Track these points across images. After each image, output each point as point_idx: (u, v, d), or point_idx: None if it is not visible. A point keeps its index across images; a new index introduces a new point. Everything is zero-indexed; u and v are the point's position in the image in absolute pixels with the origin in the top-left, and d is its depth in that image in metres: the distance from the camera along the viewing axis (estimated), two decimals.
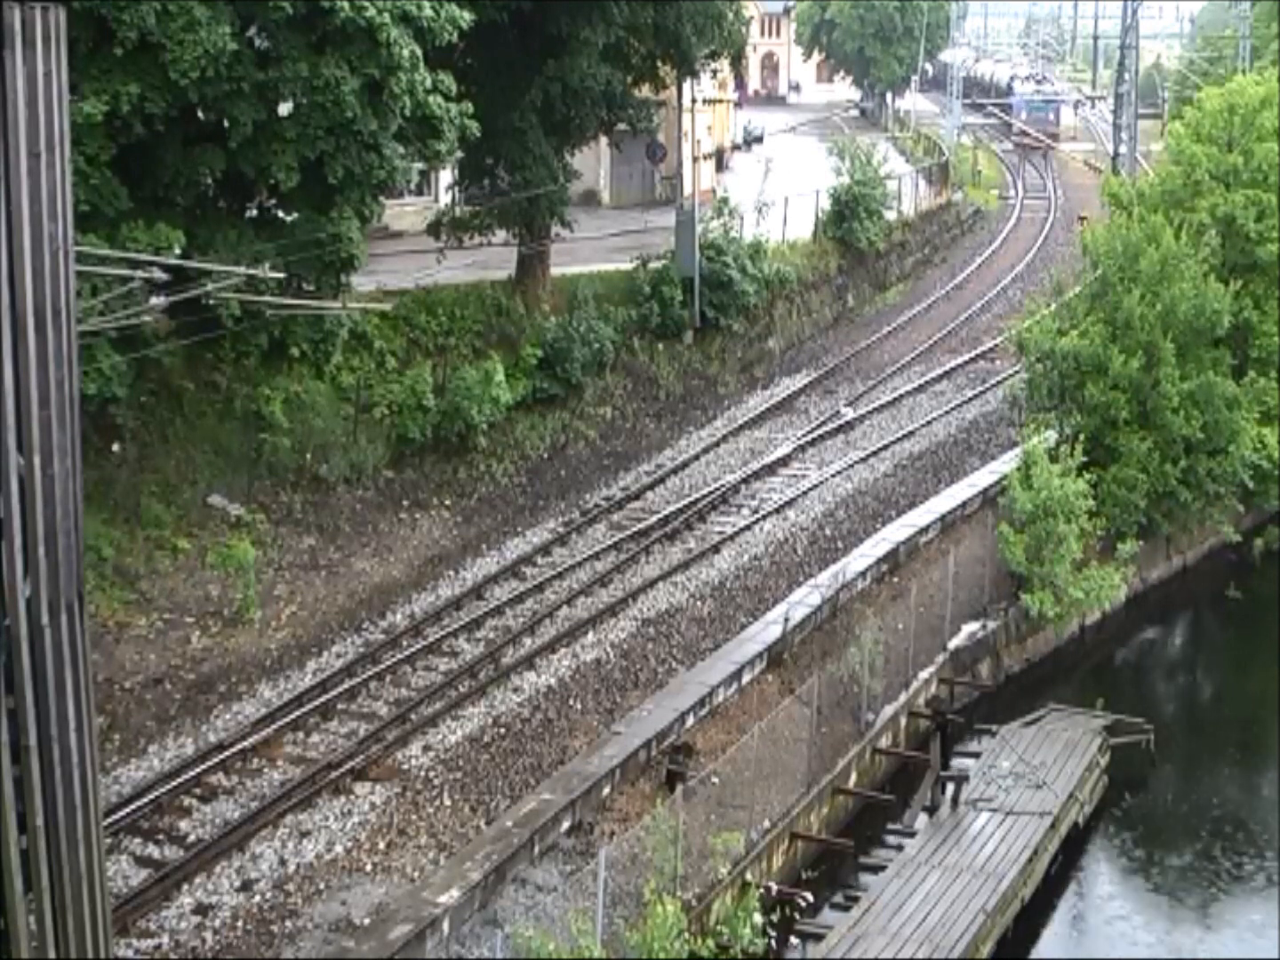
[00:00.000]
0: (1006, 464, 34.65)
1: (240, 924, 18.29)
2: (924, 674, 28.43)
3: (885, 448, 38.16)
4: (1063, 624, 32.22)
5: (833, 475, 35.90)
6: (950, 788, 24.98)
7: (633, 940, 18.30)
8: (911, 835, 24.22)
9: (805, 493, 34.58)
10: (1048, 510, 30.73)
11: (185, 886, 18.91)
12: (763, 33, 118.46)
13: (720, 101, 67.99)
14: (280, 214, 29.07)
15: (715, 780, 22.52)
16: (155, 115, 24.83)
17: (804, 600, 28.32)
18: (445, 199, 44.82)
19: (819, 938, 20.98)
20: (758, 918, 20.19)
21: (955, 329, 50.78)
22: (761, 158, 59.75)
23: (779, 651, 26.72)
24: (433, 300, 35.39)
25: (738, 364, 45.00)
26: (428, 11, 26.54)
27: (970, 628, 30.55)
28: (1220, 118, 39.61)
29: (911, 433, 39.50)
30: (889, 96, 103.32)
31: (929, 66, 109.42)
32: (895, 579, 30.88)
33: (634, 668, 25.80)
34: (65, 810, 9.60)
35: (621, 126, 40.71)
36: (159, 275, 15.93)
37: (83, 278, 19.26)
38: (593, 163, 53.22)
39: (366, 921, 18.38)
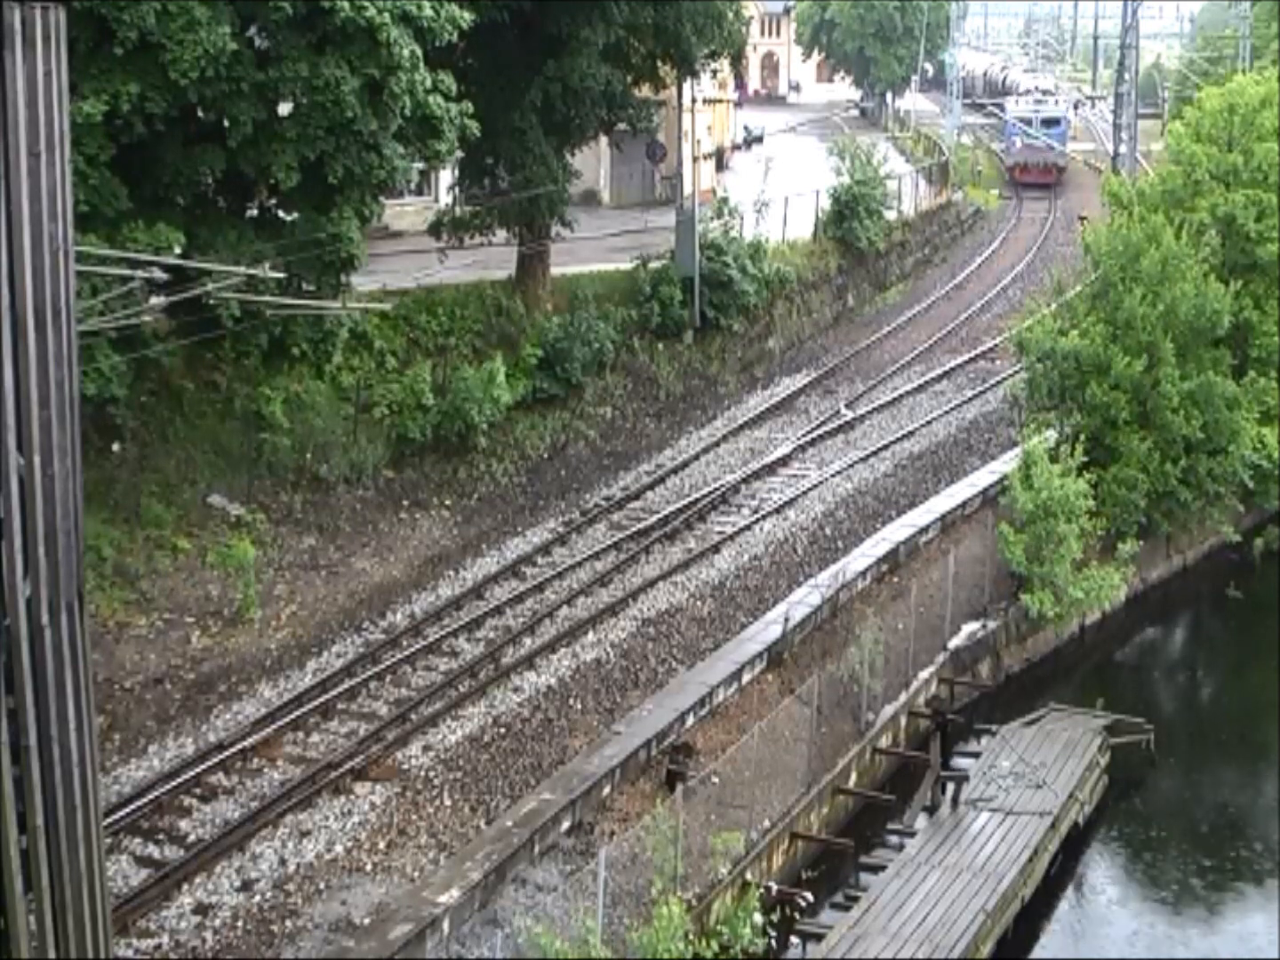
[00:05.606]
0: (1006, 464, 34.65)
1: (240, 924, 18.29)
2: (924, 674, 28.43)
3: (885, 447, 38.15)
4: (1063, 624, 32.22)
5: (833, 475, 35.90)
6: (950, 787, 24.98)
7: (635, 941, 18.30)
8: (911, 835, 24.22)
9: (805, 492, 34.56)
10: (1048, 510, 30.72)
11: (185, 886, 18.92)
12: (763, 33, 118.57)
13: (720, 101, 68.04)
14: (280, 214, 29.04)
15: (715, 780, 22.51)
16: (155, 115, 24.80)
17: (804, 600, 28.32)
18: (445, 199, 44.81)
19: (819, 938, 20.98)
20: (758, 918, 20.23)
21: (955, 329, 50.77)
22: (761, 157, 59.71)
23: (779, 651, 26.72)
24: (433, 300, 35.38)
25: (738, 364, 45.00)
26: (428, 11, 26.52)
27: (970, 627, 30.54)
28: (1220, 117, 39.61)
29: (911, 432, 39.48)
30: (889, 96, 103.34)
31: (929, 66, 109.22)
32: (895, 579, 30.87)
33: (634, 668, 25.80)
34: (65, 810, 9.60)
35: (621, 126, 40.69)
36: (159, 275, 15.95)
37: (83, 278, 19.26)
38: (593, 163, 53.19)
39: (366, 921, 18.38)
